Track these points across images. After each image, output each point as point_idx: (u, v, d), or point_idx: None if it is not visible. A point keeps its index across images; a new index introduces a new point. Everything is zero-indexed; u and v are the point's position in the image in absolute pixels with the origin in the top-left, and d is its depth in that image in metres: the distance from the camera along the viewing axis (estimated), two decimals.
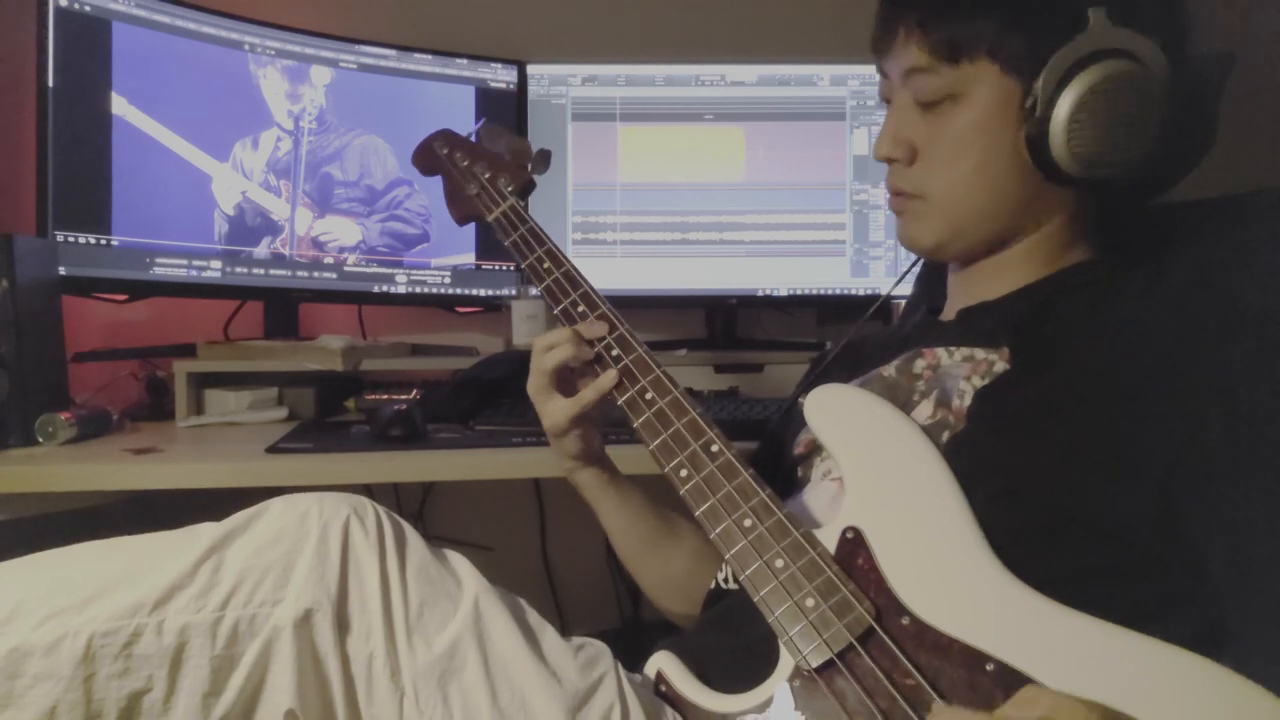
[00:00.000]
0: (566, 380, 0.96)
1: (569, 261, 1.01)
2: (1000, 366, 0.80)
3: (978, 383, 0.80)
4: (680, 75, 1.78)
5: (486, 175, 1.10)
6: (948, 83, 0.82)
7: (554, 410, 0.94)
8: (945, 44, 0.82)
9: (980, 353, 0.83)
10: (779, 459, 0.98)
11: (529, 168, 1.11)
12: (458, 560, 0.79)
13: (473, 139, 1.17)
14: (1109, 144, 0.80)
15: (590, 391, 0.92)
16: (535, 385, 0.95)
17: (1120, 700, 0.59)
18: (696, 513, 0.80)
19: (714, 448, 0.83)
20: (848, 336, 1.05)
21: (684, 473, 0.83)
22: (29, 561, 0.74)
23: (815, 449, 0.92)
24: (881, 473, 0.77)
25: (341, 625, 0.72)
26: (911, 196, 0.88)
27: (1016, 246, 0.87)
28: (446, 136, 1.16)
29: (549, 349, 0.93)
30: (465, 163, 1.13)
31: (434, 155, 1.16)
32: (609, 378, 0.91)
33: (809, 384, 1.04)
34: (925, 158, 0.86)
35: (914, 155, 0.86)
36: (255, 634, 0.71)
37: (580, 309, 0.96)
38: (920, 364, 0.87)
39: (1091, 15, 0.78)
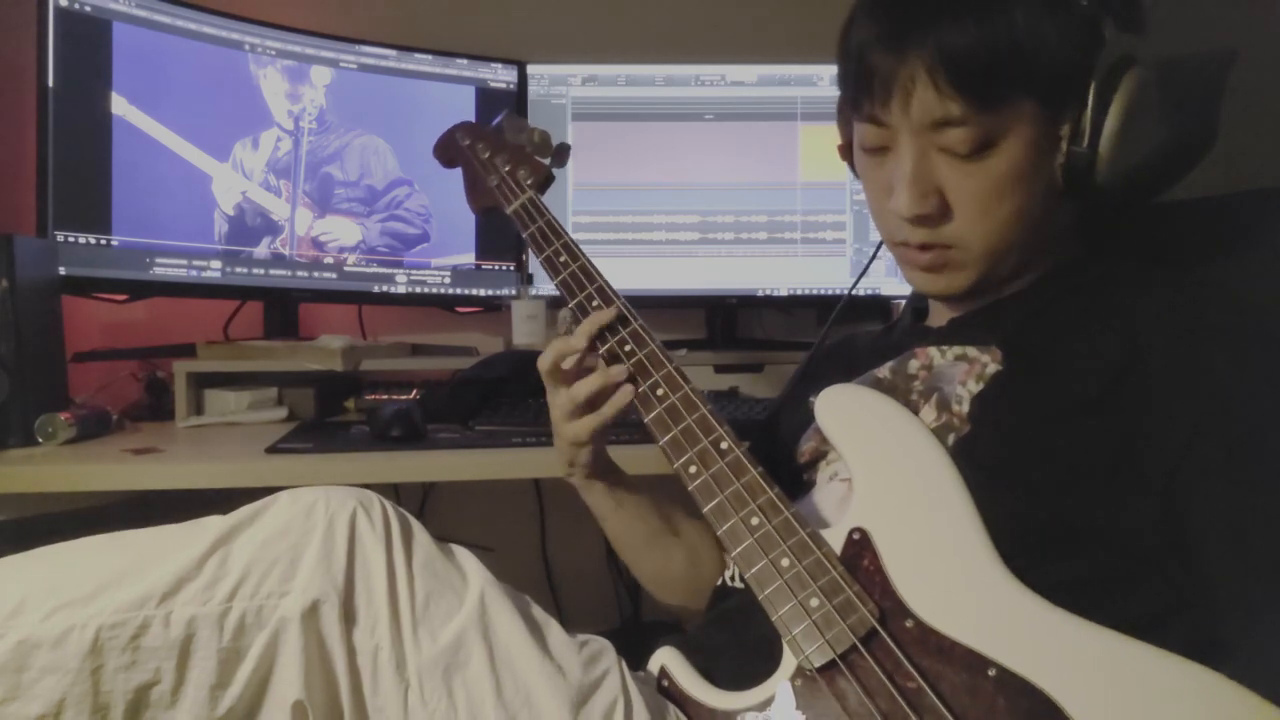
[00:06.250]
0: (569, 379, 0.94)
1: (584, 255, 1.00)
2: (993, 368, 0.80)
3: (974, 387, 0.80)
4: (680, 75, 1.78)
5: (507, 168, 1.10)
6: (984, 131, 0.76)
7: (578, 426, 0.92)
8: (982, 92, 0.75)
9: (973, 351, 0.82)
10: (786, 462, 0.97)
11: (549, 161, 1.12)
12: (463, 555, 0.80)
13: (494, 130, 1.16)
14: (1149, 155, 0.78)
15: (609, 408, 0.90)
16: (564, 406, 0.93)
17: (1122, 708, 0.59)
18: (704, 509, 0.80)
19: (723, 445, 0.82)
20: (818, 342, 1.04)
21: (693, 469, 0.82)
22: (34, 555, 0.74)
23: (820, 454, 0.92)
24: (890, 474, 0.76)
25: (348, 617, 0.72)
26: (946, 248, 0.82)
27: (1019, 257, 0.84)
28: (469, 128, 1.16)
29: (561, 359, 0.92)
30: (487, 154, 1.12)
31: (456, 146, 1.16)
32: (625, 394, 0.90)
33: (797, 388, 1.04)
34: (961, 209, 0.80)
35: (946, 208, 0.80)
36: (262, 626, 0.71)
37: (595, 303, 0.96)
38: (914, 364, 0.86)
39: (1106, 26, 0.76)
